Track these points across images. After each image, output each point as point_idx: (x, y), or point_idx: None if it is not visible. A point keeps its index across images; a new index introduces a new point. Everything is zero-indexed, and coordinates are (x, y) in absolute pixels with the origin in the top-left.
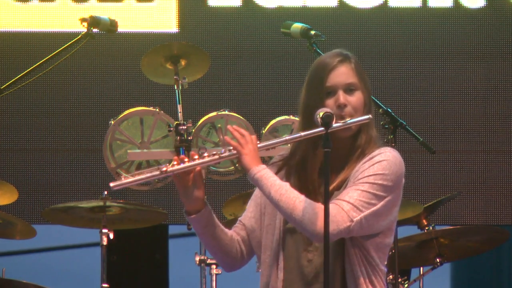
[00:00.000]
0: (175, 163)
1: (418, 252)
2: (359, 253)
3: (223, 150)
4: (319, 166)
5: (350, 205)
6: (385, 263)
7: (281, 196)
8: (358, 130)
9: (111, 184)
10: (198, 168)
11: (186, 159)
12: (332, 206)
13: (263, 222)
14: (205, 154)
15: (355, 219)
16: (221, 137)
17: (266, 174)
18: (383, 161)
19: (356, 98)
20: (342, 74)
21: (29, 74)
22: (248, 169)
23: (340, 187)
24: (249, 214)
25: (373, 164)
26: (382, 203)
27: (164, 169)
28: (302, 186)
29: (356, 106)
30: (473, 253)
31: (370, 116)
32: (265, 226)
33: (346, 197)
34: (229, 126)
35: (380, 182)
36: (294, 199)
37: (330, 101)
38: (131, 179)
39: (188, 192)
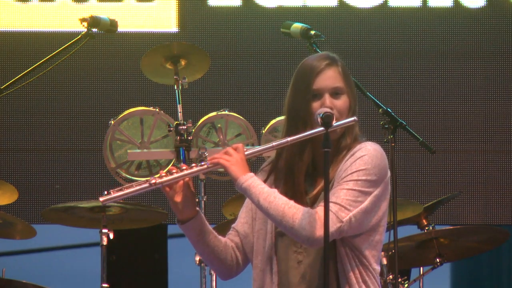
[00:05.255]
0: (163, 174)
1: (418, 252)
2: (351, 253)
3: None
4: (305, 170)
5: (337, 205)
6: (378, 261)
7: (270, 203)
8: (343, 132)
9: (101, 199)
10: (186, 178)
11: (174, 170)
12: (320, 209)
13: (255, 227)
14: (193, 164)
15: (344, 219)
16: (221, 137)
17: (253, 183)
18: (364, 156)
19: (342, 102)
20: (329, 78)
21: (29, 74)
22: (236, 179)
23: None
24: (241, 220)
25: (354, 161)
26: (369, 199)
27: (153, 181)
28: (289, 191)
29: (342, 110)
30: (473, 253)
31: (355, 118)
32: (256, 231)
33: (332, 198)
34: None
35: (363, 178)
36: (283, 206)
37: (316, 104)
38: (120, 193)
39: (178, 202)
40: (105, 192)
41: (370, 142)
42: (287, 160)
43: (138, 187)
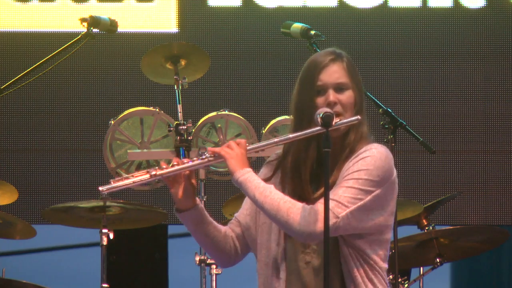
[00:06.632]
0: (164, 166)
1: (418, 252)
2: (354, 253)
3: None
4: (310, 167)
5: (334, 201)
6: (386, 259)
7: (265, 198)
8: (348, 129)
9: (100, 188)
10: (187, 171)
11: (175, 162)
12: (317, 205)
13: (258, 220)
14: (194, 158)
15: (340, 215)
16: (221, 137)
17: (250, 177)
18: (367, 157)
19: (346, 97)
20: (333, 73)
21: (29, 74)
22: (233, 173)
23: (330, 188)
24: (244, 212)
25: (357, 161)
26: (369, 197)
27: (154, 172)
28: (297, 188)
29: (346, 105)
30: (473, 253)
31: (358, 117)
32: (260, 224)
33: (331, 195)
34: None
35: (365, 177)
36: (278, 201)
37: (320, 100)
38: (120, 183)
39: (178, 192)
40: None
41: (376, 144)
42: (293, 158)
43: (138, 178)
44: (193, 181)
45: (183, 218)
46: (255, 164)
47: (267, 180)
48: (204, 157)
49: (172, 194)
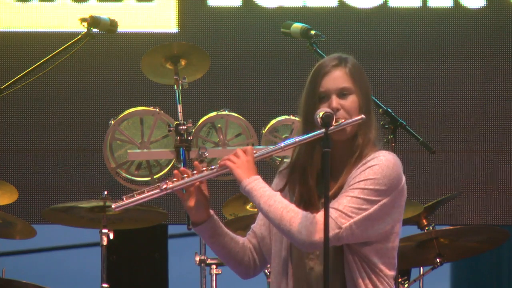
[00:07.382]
0: (175, 179)
1: (418, 252)
2: (359, 260)
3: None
4: (316, 171)
5: (338, 212)
6: (393, 267)
7: (269, 207)
8: (355, 133)
9: (113, 205)
10: (197, 182)
11: (185, 174)
12: (319, 214)
13: (272, 229)
14: (203, 169)
15: (343, 226)
16: (221, 137)
17: (256, 186)
18: (375, 165)
19: (349, 102)
20: (335, 78)
21: (29, 74)
22: (240, 182)
23: (337, 194)
24: (259, 222)
25: (364, 170)
26: (375, 207)
27: (164, 186)
28: (304, 195)
29: (350, 110)
30: (473, 253)
31: (363, 116)
32: (274, 233)
33: (335, 205)
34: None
35: (371, 187)
36: (282, 209)
37: (323, 106)
38: (132, 199)
39: (191, 204)
40: (105, 192)
41: (384, 151)
42: (299, 164)
43: (150, 193)
44: (206, 192)
45: (199, 231)
46: (263, 170)
47: (280, 191)
48: (213, 167)
49: (185, 207)
